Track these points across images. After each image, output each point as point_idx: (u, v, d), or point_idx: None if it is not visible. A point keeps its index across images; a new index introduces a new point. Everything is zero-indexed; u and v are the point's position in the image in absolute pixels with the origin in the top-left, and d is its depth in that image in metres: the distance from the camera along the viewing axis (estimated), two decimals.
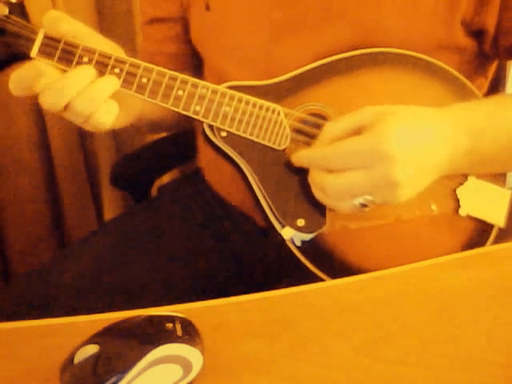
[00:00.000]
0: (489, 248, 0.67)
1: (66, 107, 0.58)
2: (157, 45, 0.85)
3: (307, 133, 0.65)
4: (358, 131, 0.57)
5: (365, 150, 0.55)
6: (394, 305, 0.54)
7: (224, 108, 0.62)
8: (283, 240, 0.65)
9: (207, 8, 0.74)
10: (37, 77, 0.56)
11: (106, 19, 1.29)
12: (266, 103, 0.63)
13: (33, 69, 0.56)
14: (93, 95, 0.57)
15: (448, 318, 0.52)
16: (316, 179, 0.59)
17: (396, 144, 0.54)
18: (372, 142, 0.55)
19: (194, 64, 0.83)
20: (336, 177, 0.56)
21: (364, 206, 0.57)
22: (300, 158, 0.61)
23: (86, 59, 0.59)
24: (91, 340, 0.44)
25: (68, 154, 1.32)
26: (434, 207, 0.66)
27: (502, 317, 0.51)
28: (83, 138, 1.34)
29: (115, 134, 1.36)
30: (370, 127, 0.55)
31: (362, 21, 0.66)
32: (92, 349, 0.43)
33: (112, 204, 1.40)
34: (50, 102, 0.57)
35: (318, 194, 0.60)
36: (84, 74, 0.58)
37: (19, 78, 0.57)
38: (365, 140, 0.55)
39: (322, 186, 0.57)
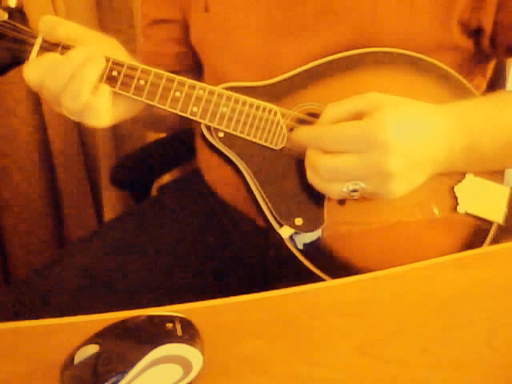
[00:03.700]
0: (489, 248, 0.67)
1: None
2: (158, 46, 0.85)
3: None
4: (358, 115, 0.57)
5: (361, 135, 0.55)
6: (394, 305, 0.54)
7: (221, 109, 0.63)
8: (282, 239, 0.65)
9: (206, 9, 0.74)
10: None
11: (107, 19, 1.29)
12: (263, 103, 0.63)
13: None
14: (81, 77, 0.57)
15: (448, 318, 0.52)
16: (311, 158, 0.59)
17: (392, 134, 0.55)
18: (369, 129, 0.55)
19: (195, 65, 0.83)
20: (330, 157, 0.56)
21: (354, 191, 0.57)
22: (299, 135, 0.61)
23: None
24: (91, 340, 0.44)
25: (68, 153, 1.32)
26: (436, 211, 0.66)
27: (501, 317, 0.51)
28: (83, 137, 1.34)
29: (115, 134, 1.36)
30: (370, 114, 0.56)
31: (360, 20, 0.66)
32: (92, 349, 0.43)
33: (112, 204, 1.40)
34: (51, 88, 0.57)
35: (311, 175, 0.60)
36: (78, 53, 0.58)
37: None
38: (363, 125, 0.55)
39: (316, 166, 0.58)
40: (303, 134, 0.60)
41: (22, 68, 0.59)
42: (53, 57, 0.58)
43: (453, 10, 0.65)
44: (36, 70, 0.57)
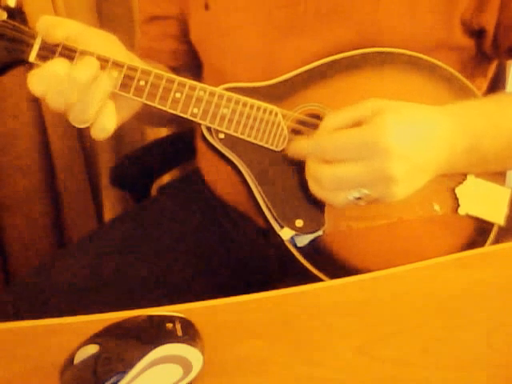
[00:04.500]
0: (489, 248, 0.67)
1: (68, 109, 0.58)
2: (155, 42, 0.85)
3: (305, 134, 0.65)
4: (357, 123, 0.57)
5: (362, 142, 0.55)
6: (393, 305, 0.54)
7: (221, 110, 0.62)
8: (282, 241, 0.65)
9: (206, 8, 0.74)
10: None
11: (106, 20, 1.29)
12: (264, 105, 0.63)
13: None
14: (90, 98, 0.57)
15: (448, 318, 0.52)
16: (312, 170, 0.58)
17: (393, 138, 0.54)
18: (370, 135, 0.55)
19: (193, 63, 0.83)
20: (332, 167, 0.56)
21: (359, 199, 0.57)
22: (298, 147, 0.60)
23: None
24: (91, 340, 0.44)
25: (68, 154, 1.32)
26: (437, 207, 0.66)
27: (501, 317, 0.51)
28: (83, 138, 1.34)
29: (115, 134, 1.35)
30: (369, 120, 0.56)
31: (362, 20, 0.66)
32: (92, 349, 0.43)
33: (112, 204, 1.40)
34: (55, 103, 0.57)
35: (314, 186, 0.59)
36: (83, 73, 0.58)
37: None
38: (363, 132, 0.55)
39: (318, 176, 0.57)
40: (302, 145, 0.60)
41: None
42: (57, 70, 0.57)
43: (455, 10, 0.65)
44: (40, 82, 0.57)
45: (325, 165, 0.57)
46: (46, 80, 0.57)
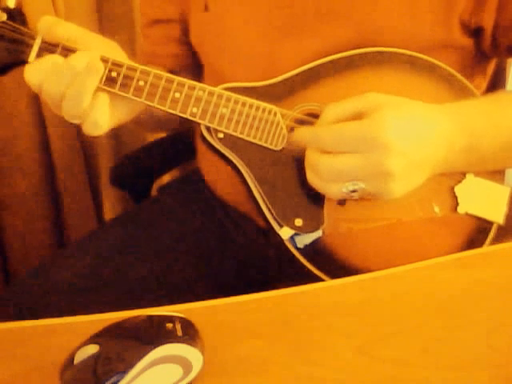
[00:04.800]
0: (489, 248, 0.67)
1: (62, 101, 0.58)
2: (158, 46, 0.85)
3: None
4: (357, 116, 0.57)
5: (361, 135, 0.55)
6: (394, 305, 0.54)
7: (221, 110, 0.63)
8: (282, 240, 0.65)
9: (206, 9, 0.74)
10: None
11: (107, 22, 1.29)
12: (263, 104, 0.63)
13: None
14: (80, 87, 0.57)
15: (448, 318, 0.52)
16: (310, 158, 0.59)
17: (392, 134, 0.55)
18: (370, 129, 0.55)
19: (196, 65, 0.83)
20: (330, 158, 0.56)
21: (354, 192, 0.57)
22: (299, 135, 0.61)
23: None
24: (91, 340, 0.44)
25: (68, 154, 1.32)
26: (436, 209, 0.66)
27: (501, 317, 0.51)
28: (83, 138, 1.34)
29: (115, 134, 1.36)
30: (370, 114, 0.56)
31: (361, 20, 0.66)
32: (92, 349, 0.43)
33: (112, 204, 1.40)
34: (50, 94, 0.57)
35: (311, 176, 0.60)
36: (79, 60, 0.58)
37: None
38: (362, 126, 0.56)
39: (316, 165, 0.58)
40: (303, 134, 0.60)
41: (22, 68, 0.59)
42: (54, 60, 0.57)
43: (453, 10, 0.65)
44: (37, 72, 0.57)
45: (323, 155, 0.57)
46: (43, 70, 0.57)
